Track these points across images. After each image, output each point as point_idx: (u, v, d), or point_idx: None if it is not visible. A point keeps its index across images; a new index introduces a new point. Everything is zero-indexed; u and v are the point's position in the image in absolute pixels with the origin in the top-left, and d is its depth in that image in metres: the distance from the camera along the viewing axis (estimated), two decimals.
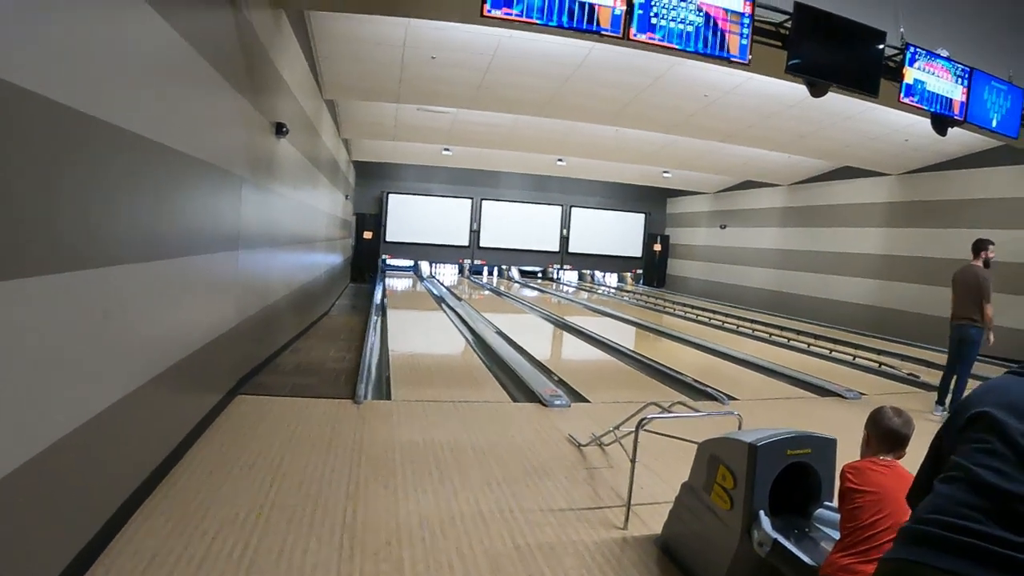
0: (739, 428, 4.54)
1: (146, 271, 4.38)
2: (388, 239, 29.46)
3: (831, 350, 13.51)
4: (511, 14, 6.49)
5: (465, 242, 30.76)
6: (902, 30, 8.60)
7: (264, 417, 6.57)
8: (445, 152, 23.46)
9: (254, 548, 3.93)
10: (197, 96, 5.41)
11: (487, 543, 4.17)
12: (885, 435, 3.08)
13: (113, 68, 3.73)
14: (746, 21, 7.28)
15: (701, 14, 7.06)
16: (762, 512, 3.37)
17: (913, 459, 3.00)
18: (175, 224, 5.01)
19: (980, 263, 8.42)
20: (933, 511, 1.76)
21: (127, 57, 3.92)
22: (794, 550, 3.13)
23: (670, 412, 5.26)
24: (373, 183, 28.87)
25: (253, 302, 8.01)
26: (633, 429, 4.73)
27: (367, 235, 28.21)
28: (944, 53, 8.79)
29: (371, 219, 28.66)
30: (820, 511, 3.56)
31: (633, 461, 4.59)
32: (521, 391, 8.40)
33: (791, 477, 3.52)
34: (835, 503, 3.23)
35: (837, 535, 3.03)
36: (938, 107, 8.87)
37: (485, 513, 4.62)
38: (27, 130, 2.92)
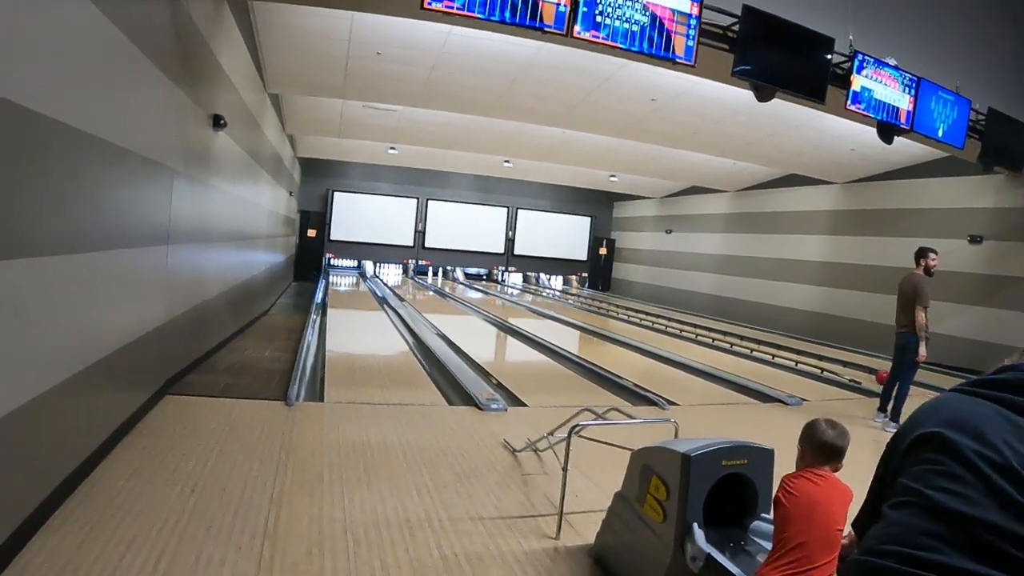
0: (675, 436, 4.46)
1: (63, 264, 4.18)
2: (333, 237, 29.11)
3: (773, 356, 13.58)
4: (452, 7, 6.34)
5: (410, 242, 30.52)
6: (851, 37, 8.61)
7: (192, 418, 6.36)
8: (391, 151, 23.23)
9: (170, 558, 3.75)
10: (125, 83, 5.19)
11: (412, 553, 4.03)
12: (819, 448, 2.96)
13: (27, 48, 3.53)
14: (693, 23, 7.22)
15: (647, 13, 6.98)
16: (696, 525, 3.27)
17: (849, 471, 2.93)
18: (97, 216, 4.79)
19: (921, 271, 8.46)
20: (887, 541, 1.58)
21: (45, 37, 3.71)
22: (728, 565, 3.03)
23: (604, 419, 5.16)
24: (318, 180, 28.50)
25: (184, 299, 7.77)
26: (567, 435, 4.61)
27: (311, 233, 27.83)
28: (892, 62, 8.84)
29: (316, 217, 28.27)
30: (757, 523, 3.48)
31: (565, 469, 4.46)
32: (458, 394, 8.27)
33: (727, 488, 3.43)
34: (771, 515, 3.15)
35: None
36: (885, 115, 8.91)
37: (412, 521, 4.47)
38: None
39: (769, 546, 3.12)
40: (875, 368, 12.38)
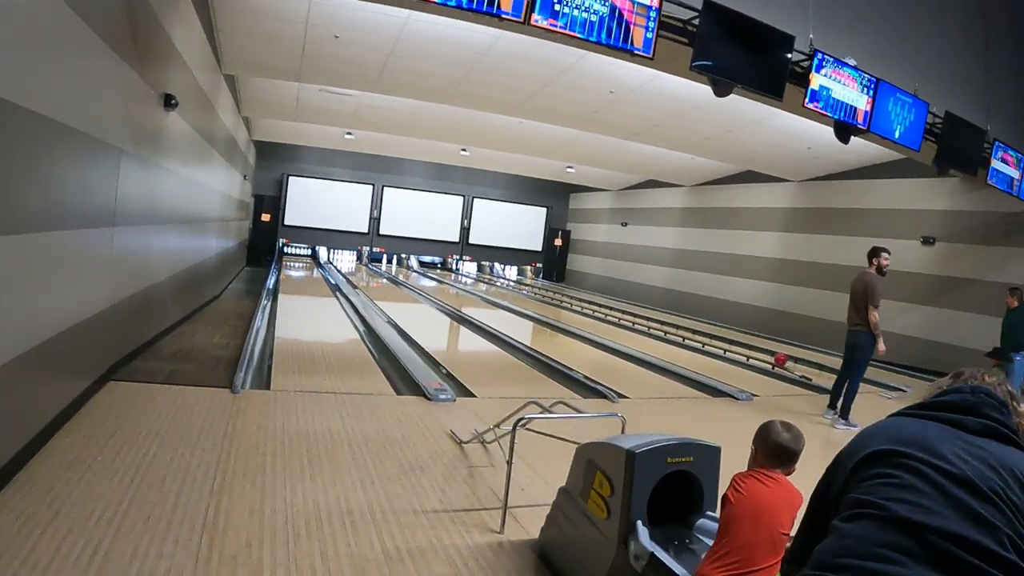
0: (622, 431, 4.44)
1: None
2: (287, 223, 28.79)
3: (725, 350, 13.67)
4: None
5: (365, 229, 30.29)
6: (811, 36, 8.63)
7: (134, 406, 6.22)
8: (348, 136, 23.04)
9: (106, 550, 3.65)
10: (69, 58, 5.05)
11: (354, 546, 3.96)
12: (774, 450, 2.95)
13: None
14: (652, 15, 7.17)
15: (607, 4, 6.91)
16: (640, 523, 3.24)
17: (798, 470, 2.92)
18: (36, 196, 4.65)
19: (873, 270, 8.53)
20: (843, 554, 1.53)
21: None
22: (671, 564, 3.01)
23: (551, 412, 5.13)
24: (273, 164, 28.17)
25: (130, 283, 7.62)
26: (511, 428, 4.57)
27: (265, 217, 27.53)
28: (852, 62, 8.87)
29: (270, 201, 27.96)
30: (702, 521, 3.46)
31: (509, 462, 4.42)
32: (406, 384, 8.20)
33: (672, 485, 3.41)
34: (717, 513, 3.13)
35: None
36: (842, 115, 8.94)
37: (355, 513, 4.41)
38: None
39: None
40: (826, 365, 12.53)
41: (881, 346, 8.46)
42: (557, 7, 6.70)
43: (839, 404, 8.62)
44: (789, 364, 12.45)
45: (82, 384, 6.10)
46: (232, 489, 4.60)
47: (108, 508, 4.12)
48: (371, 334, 11.72)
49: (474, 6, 6.43)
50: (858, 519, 1.58)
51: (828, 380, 10.43)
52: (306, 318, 14.58)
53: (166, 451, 5.18)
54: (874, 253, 8.65)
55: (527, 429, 4.60)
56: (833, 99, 8.80)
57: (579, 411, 5.20)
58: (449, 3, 6.39)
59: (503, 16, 6.57)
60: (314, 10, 10.26)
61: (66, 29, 4.87)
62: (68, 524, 3.87)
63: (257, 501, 4.45)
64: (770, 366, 12.18)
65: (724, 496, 2.87)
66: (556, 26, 6.76)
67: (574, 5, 6.76)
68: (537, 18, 6.65)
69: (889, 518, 1.52)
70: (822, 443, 7.55)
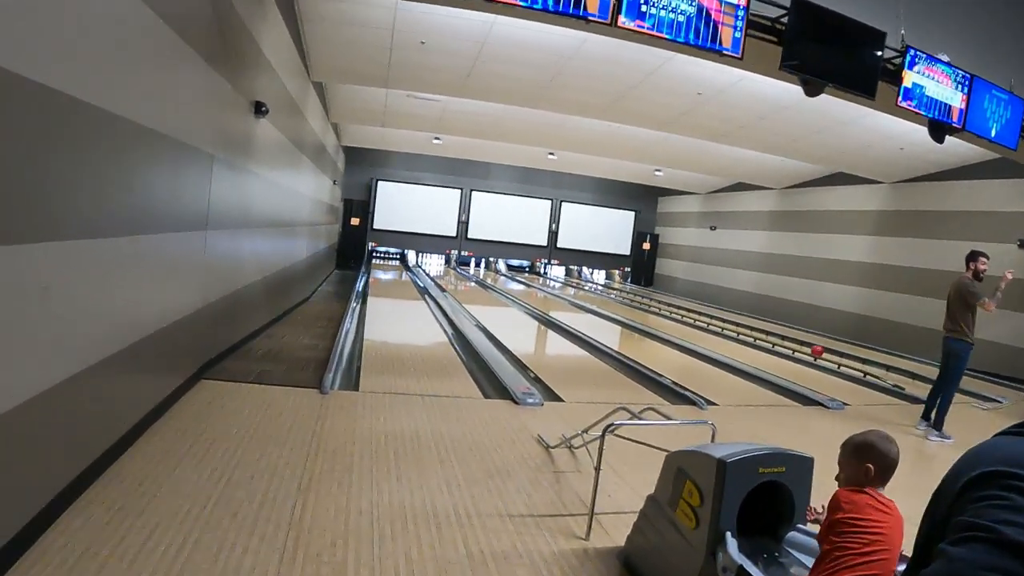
0: (712, 439, 4.34)
1: (95, 248, 4.15)
2: (376, 227, 29.16)
3: (815, 358, 13.31)
4: None
5: (453, 233, 30.49)
6: (903, 32, 8.38)
7: (225, 404, 6.35)
8: (435, 141, 23.19)
9: (192, 545, 3.71)
10: (164, 68, 5.17)
11: (438, 549, 3.95)
12: (888, 466, 2.79)
13: (61, 31, 3.49)
14: (740, 13, 7.05)
15: (693, 4, 6.82)
16: (729, 534, 3.14)
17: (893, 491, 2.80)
18: (132, 201, 4.77)
19: (970, 275, 8.19)
20: None
21: (77, 20, 3.67)
22: None
23: (640, 418, 5.05)
24: (362, 169, 28.57)
25: (222, 285, 7.78)
26: (601, 434, 4.50)
27: (354, 221, 27.94)
28: (945, 58, 8.58)
29: (359, 205, 28.38)
30: (792, 534, 3.34)
31: (597, 469, 4.36)
32: (494, 387, 8.18)
33: (763, 496, 3.30)
34: (809, 526, 3.02)
35: (808, 560, 2.81)
36: (936, 113, 8.65)
37: (440, 515, 4.39)
38: None
39: (804, 559, 2.99)
40: (919, 374, 12.14)
41: (991, 305, 8.00)
42: (644, 8, 6.63)
43: (933, 415, 8.30)
44: (880, 372, 12.09)
45: (175, 382, 6.24)
46: (319, 488, 4.64)
47: (196, 503, 4.19)
48: (459, 337, 11.76)
49: (560, 8, 6.41)
50: (967, 543, 1.47)
51: (921, 389, 10.11)
52: (395, 321, 14.71)
53: (254, 449, 5.26)
54: (972, 257, 8.29)
55: (615, 435, 4.52)
56: (927, 97, 8.53)
57: (668, 418, 5.10)
58: (535, 6, 6.37)
59: (589, 18, 6.53)
60: (400, 17, 10.35)
61: (160, 41, 4.98)
62: (156, 518, 3.95)
63: (343, 501, 4.47)
64: (861, 374, 11.83)
65: (836, 519, 2.70)
66: (643, 27, 6.69)
67: (661, 5, 6.69)
68: (624, 20, 6.59)
69: (1000, 542, 1.41)
70: (915, 455, 7.31)
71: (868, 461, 2.79)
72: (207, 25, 6.19)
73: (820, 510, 3.07)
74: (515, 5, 6.34)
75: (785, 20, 7.49)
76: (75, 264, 3.90)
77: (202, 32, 6.03)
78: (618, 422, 4.65)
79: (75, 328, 4.01)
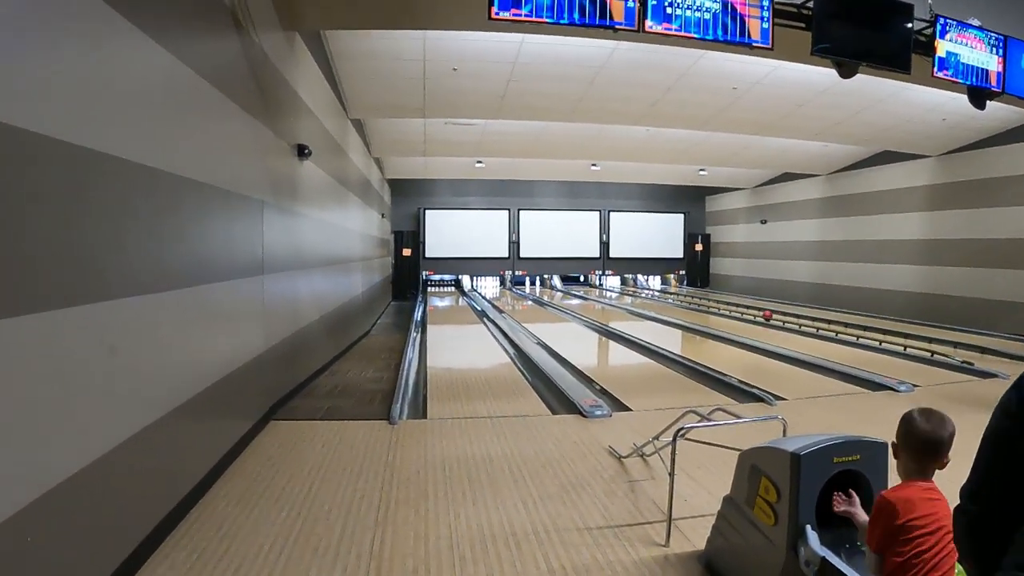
0: (783, 434, 4.30)
1: (156, 302, 4.25)
2: (428, 255, 29.42)
3: (881, 341, 13.13)
4: (520, 15, 6.27)
5: (505, 253, 30.62)
6: (930, 1, 8.25)
7: (296, 442, 6.44)
8: (478, 165, 23.35)
9: None
10: (206, 122, 5.30)
11: (520, 567, 3.96)
12: (920, 446, 2.59)
13: (109, 99, 3.61)
14: (766, 3, 7.00)
15: (717, 0, 6.81)
16: (809, 527, 3.11)
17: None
18: (187, 253, 4.89)
19: None
20: None
21: (123, 86, 3.79)
22: (844, 568, 2.87)
23: (709, 420, 5.01)
24: (409, 200, 28.86)
25: (283, 327, 7.90)
26: (671, 439, 4.48)
27: (406, 252, 28.18)
28: (975, 22, 8.41)
29: (409, 236, 28.64)
30: None
31: (672, 474, 4.34)
32: (561, 403, 8.18)
33: (840, 486, 3.25)
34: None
35: None
36: (974, 79, 8.48)
37: (519, 534, 4.41)
38: (24, 168, 2.80)
39: None
40: (987, 347, 11.91)
41: None
42: (669, 10, 6.63)
43: None
44: (948, 349, 11.88)
45: (245, 425, 6.35)
46: (396, 517, 4.67)
47: (276, 541, 4.26)
48: (521, 356, 11.78)
49: (587, 20, 6.43)
50: None
51: (991, 363, 9.90)
52: (456, 346, 14.79)
53: (330, 484, 5.32)
54: None
55: (687, 439, 4.50)
56: (963, 64, 8.36)
57: (737, 417, 5.06)
58: (562, 20, 6.41)
59: (616, 27, 6.54)
60: (429, 47, 10.48)
61: (199, 96, 5.11)
62: (239, 558, 4.03)
63: (422, 528, 4.50)
64: (928, 353, 11.62)
65: (891, 525, 2.58)
66: (671, 29, 6.69)
67: (686, 6, 6.68)
68: (650, 24, 6.60)
69: None
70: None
71: (896, 443, 2.69)
72: (244, 77, 6.33)
73: (845, 498, 3.05)
74: (542, 22, 6.36)
75: (811, 5, 7.43)
76: (137, 320, 4.00)
77: (240, 84, 6.17)
78: (688, 425, 4.61)
79: (144, 381, 4.11)
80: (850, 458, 3.26)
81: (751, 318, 18.06)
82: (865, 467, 3.29)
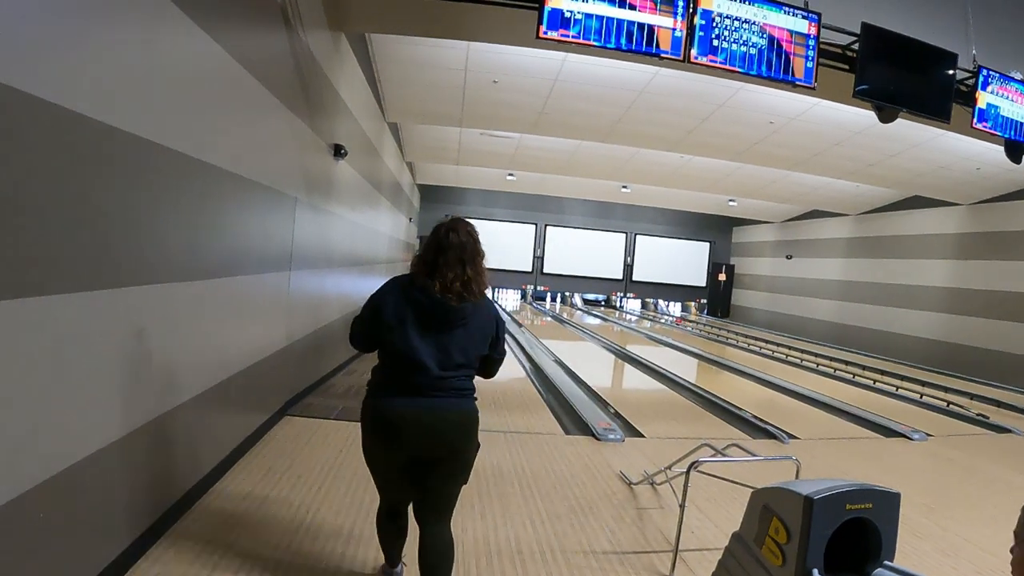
0: (796, 475, 4.30)
1: (186, 291, 4.30)
2: None
3: (897, 387, 13.03)
4: (568, 36, 6.32)
5: (528, 268, 30.65)
6: (974, 52, 8.23)
7: (309, 440, 6.47)
8: (509, 177, 23.41)
9: None
10: (248, 116, 5.35)
11: None
12: None
13: (156, 86, 3.65)
14: (811, 43, 7.02)
15: (764, 36, 6.82)
16: (816, 571, 3.11)
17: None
18: (221, 244, 4.94)
19: None
20: None
21: (171, 76, 3.84)
22: None
23: (724, 455, 5.01)
24: (437, 206, 28.94)
25: (305, 323, 7.96)
26: (685, 469, 4.49)
27: None
28: (1018, 76, 8.40)
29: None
30: (880, 571, 3.29)
31: (682, 506, 4.34)
32: (575, 423, 8.18)
33: (849, 533, 3.26)
34: (896, 563, 2.97)
35: None
36: (1013, 133, 8.45)
37: (524, 552, 4.41)
38: (64, 147, 2.85)
39: None
40: (1004, 401, 11.86)
41: None
42: (716, 43, 6.65)
43: None
44: (964, 400, 11.81)
45: (260, 418, 6.40)
46: None
47: (283, 540, 4.28)
48: (537, 372, 11.79)
49: (633, 47, 6.47)
50: None
51: (1007, 418, 9.82)
52: None
53: (339, 486, 5.34)
54: None
55: (698, 471, 4.50)
56: (1002, 117, 8.35)
57: (752, 454, 5.06)
58: (609, 45, 6.44)
59: (662, 55, 6.58)
60: (472, 57, 10.53)
61: (244, 90, 5.16)
62: (244, 553, 4.05)
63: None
64: (944, 403, 11.54)
65: None
66: (715, 62, 6.71)
67: (732, 40, 6.71)
68: (696, 55, 6.63)
69: None
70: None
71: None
72: (289, 74, 6.39)
73: None
74: (589, 44, 6.41)
75: (855, 47, 7.44)
76: (165, 306, 4.04)
77: (284, 80, 6.23)
78: (703, 459, 4.62)
79: (166, 367, 4.15)
80: (863, 506, 3.26)
81: (769, 352, 17.98)
82: (876, 516, 3.29)
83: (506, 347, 3.46)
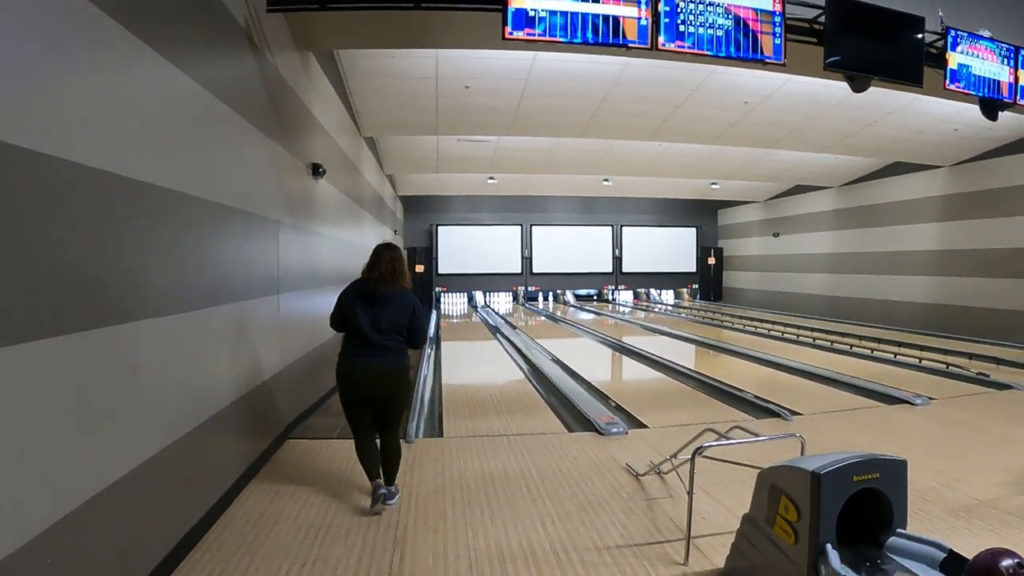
0: (801, 452, 4.29)
1: (176, 323, 4.28)
2: (441, 271, 29.50)
3: (895, 354, 13.08)
4: (534, 34, 6.31)
5: (518, 269, 30.63)
6: (941, 14, 8.25)
7: (312, 462, 6.45)
8: (490, 181, 23.41)
9: None
10: (223, 144, 5.34)
11: None
12: None
13: (126, 122, 3.63)
14: (778, 20, 7.03)
15: (730, 17, 6.82)
16: (829, 545, 3.10)
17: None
18: (205, 274, 4.92)
19: None
20: None
21: (141, 110, 3.82)
22: None
23: (728, 438, 5.01)
24: (421, 217, 28.98)
25: (299, 345, 7.93)
26: (690, 456, 4.48)
27: (419, 268, 28.28)
28: (987, 33, 8.42)
29: (422, 252, 28.79)
30: (893, 539, 3.29)
31: (690, 493, 4.33)
32: (577, 420, 8.16)
33: (860, 504, 3.25)
34: (909, 529, 2.97)
35: (912, 565, 2.75)
36: (986, 91, 8.48)
37: (538, 553, 4.40)
38: (41, 192, 2.85)
39: (908, 563, 2.94)
40: (1003, 358, 11.89)
41: None
42: (682, 28, 6.66)
43: None
44: (963, 361, 11.88)
45: (261, 445, 6.38)
46: (415, 537, 4.67)
47: (295, 563, 4.26)
48: (536, 372, 11.77)
49: (600, 39, 6.47)
50: None
51: (1008, 375, 9.84)
52: (470, 363, 14.79)
53: (347, 504, 5.34)
54: None
55: (703, 457, 4.49)
56: (975, 76, 8.38)
57: (756, 435, 5.05)
58: (575, 40, 6.45)
59: (629, 45, 6.58)
60: (442, 64, 10.55)
61: (217, 118, 5.16)
62: None
63: (440, 547, 4.50)
64: (943, 366, 11.59)
65: None
66: (683, 47, 6.72)
67: (698, 23, 6.72)
68: (663, 42, 6.63)
69: None
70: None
71: None
72: (260, 98, 6.38)
73: None
74: (555, 41, 6.40)
75: (822, 20, 7.46)
76: (161, 339, 4.03)
77: (256, 105, 6.22)
78: (707, 444, 4.61)
79: (163, 402, 4.13)
80: (870, 476, 3.26)
81: (765, 331, 18.01)
82: (885, 485, 3.29)
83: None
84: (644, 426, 7.90)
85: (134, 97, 3.74)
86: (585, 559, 4.32)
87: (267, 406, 6.61)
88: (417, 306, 5.50)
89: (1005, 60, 8.61)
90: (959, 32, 8.23)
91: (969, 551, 2.85)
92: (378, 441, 5.53)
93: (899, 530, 3.29)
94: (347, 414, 5.53)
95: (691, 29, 6.68)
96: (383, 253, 5.44)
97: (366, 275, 5.39)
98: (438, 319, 22.91)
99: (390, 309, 5.30)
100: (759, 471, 3.80)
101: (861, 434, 7.39)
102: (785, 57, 7.13)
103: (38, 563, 2.78)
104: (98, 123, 3.36)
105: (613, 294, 31.77)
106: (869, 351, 13.71)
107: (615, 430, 7.48)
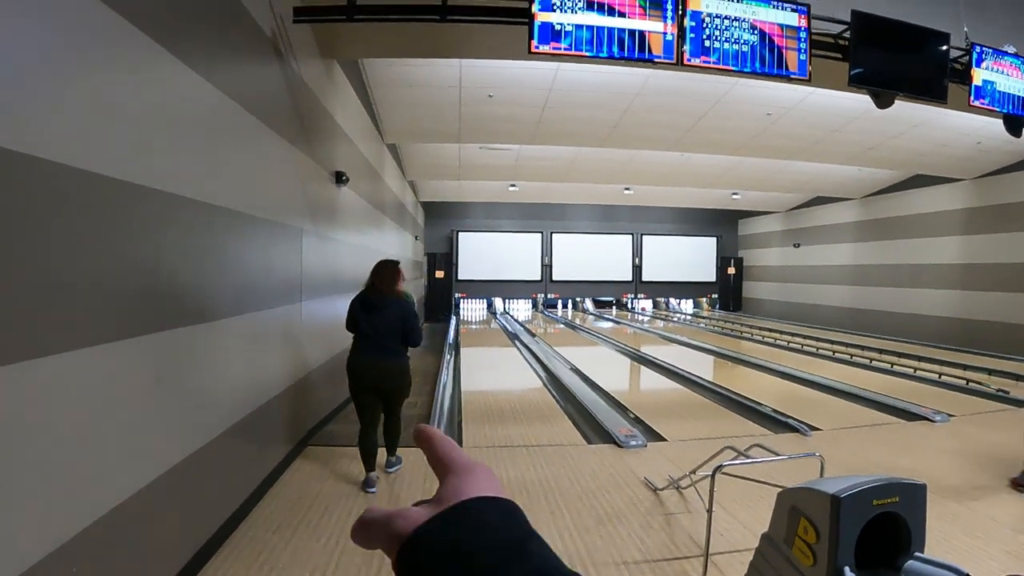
0: (821, 472, 4.29)
1: (198, 332, 4.33)
2: (460, 277, 29.55)
3: (915, 369, 13.01)
4: (560, 48, 6.35)
5: (537, 276, 30.65)
6: (965, 30, 8.23)
7: (332, 469, 6.50)
8: (511, 188, 23.45)
9: None
10: (248, 153, 5.39)
11: None
12: None
13: (151, 133, 3.68)
14: (803, 35, 7.03)
15: (756, 32, 6.83)
16: (847, 568, 3.11)
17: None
18: (230, 283, 4.97)
19: None
20: None
21: (165, 120, 3.87)
22: None
23: (747, 456, 5.01)
24: (442, 222, 29.05)
25: (320, 352, 7.98)
26: (710, 473, 4.49)
27: (439, 274, 28.33)
28: (1011, 49, 8.39)
29: (442, 258, 28.81)
30: (911, 563, 3.28)
31: (709, 511, 4.33)
32: (596, 431, 8.17)
33: (879, 527, 3.26)
34: (926, 553, 2.96)
35: None
36: (1010, 107, 8.44)
37: None
38: (64, 204, 2.89)
39: None
40: (1021, 375, 11.81)
41: None
42: (707, 43, 6.67)
43: None
44: (983, 376, 11.82)
45: (282, 451, 6.43)
46: None
47: (315, 572, 4.29)
48: (554, 381, 11.78)
49: (626, 54, 6.49)
50: None
51: None
52: (489, 370, 14.76)
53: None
54: None
55: (723, 474, 4.50)
56: (999, 92, 8.34)
57: (775, 453, 5.06)
58: (601, 54, 6.47)
59: (655, 60, 6.60)
60: (466, 73, 10.58)
61: (242, 127, 5.21)
62: None
63: None
64: (964, 381, 11.51)
65: None
66: (709, 62, 6.73)
67: (723, 39, 6.72)
68: (689, 56, 6.64)
69: None
70: None
71: None
72: (285, 106, 6.44)
73: None
74: (581, 55, 6.43)
75: (847, 35, 7.45)
76: (185, 348, 4.08)
77: (281, 114, 6.28)
78: (727, 462, 4.62)
79: (188, 410, 4.18)
80: (889, 500, 3.26)
81: (784, 343, 17.94)
82: (904, 509, 3.29)
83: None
84: (662, 438, 7.89)
85: (156, 107, 3.80)
86: (603, 574, 4.34)
87: (289, 412, 6.69)
88: (407, 312, 6.38)
89: None
90: (984, 48, 8.20)
91: None
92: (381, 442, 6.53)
93: (917, 553, 3.29)
94: (355, 402, 6.37)
95: (716, 44, 6.69)
96: (380, 269, 6.42)
97: (368, 285, 6.41)
98: (457, 325, 22.93)
99: (385, 315, 6.21)
100: (779, 491, 3.80)
101: (880, 451, 7.36)
102: (810, 72, 7.14)
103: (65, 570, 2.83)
104: (117, 132, 3.41)
105: (632, 303, 31.70)
106: (889, 365, 13.64)
107: (634, 443, 7.48)
